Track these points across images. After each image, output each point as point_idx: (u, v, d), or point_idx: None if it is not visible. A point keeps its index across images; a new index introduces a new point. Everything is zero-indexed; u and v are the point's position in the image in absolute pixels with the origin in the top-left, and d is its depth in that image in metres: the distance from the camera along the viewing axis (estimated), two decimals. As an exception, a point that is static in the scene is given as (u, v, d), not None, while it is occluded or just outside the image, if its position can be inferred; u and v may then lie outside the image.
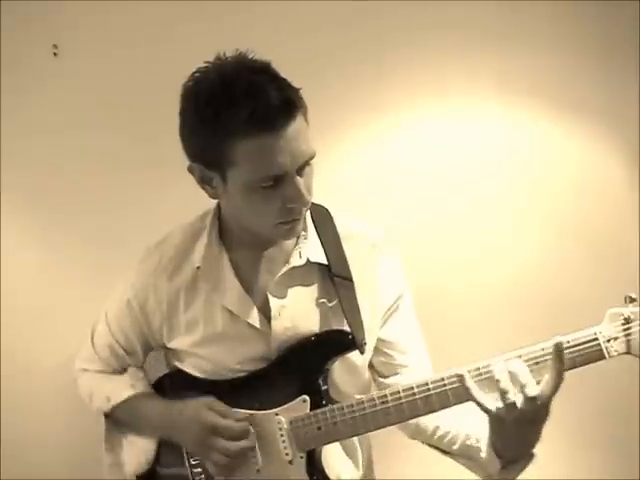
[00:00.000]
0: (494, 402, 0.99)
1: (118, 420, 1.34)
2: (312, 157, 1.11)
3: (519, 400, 0.97)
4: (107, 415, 1.34)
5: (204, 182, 1.14)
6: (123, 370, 1.35)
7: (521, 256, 1.82)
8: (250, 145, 1.05)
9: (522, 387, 0.96)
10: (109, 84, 1.72)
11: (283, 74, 1.09)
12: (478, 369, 1.07)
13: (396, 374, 1.29)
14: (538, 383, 0.98)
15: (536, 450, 1.06)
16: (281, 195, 1.09)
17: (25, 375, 1.72)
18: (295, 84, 1.10)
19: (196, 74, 1.11)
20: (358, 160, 1.80)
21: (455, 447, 1.21)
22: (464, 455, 1.21)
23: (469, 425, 1.16)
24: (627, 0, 1.78)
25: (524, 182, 1.83)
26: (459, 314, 1.78)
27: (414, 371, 1.26)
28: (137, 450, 1.30)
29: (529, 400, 0.96)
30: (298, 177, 1.09)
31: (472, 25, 1.79)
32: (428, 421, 1.21)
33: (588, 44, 1.80)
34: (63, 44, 1.72)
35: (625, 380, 1.68)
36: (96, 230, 1.73)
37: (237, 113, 1.03)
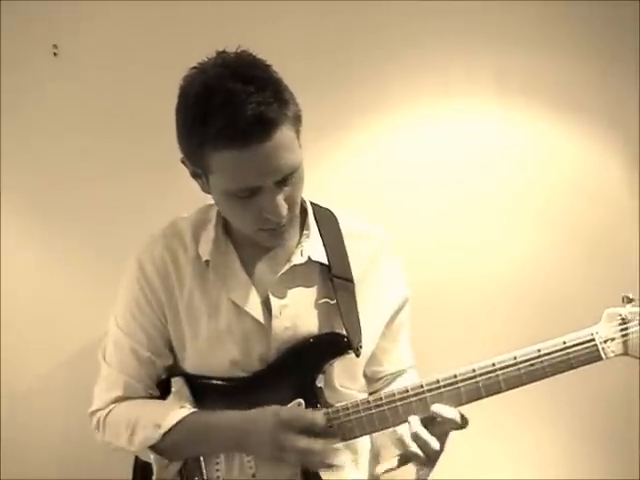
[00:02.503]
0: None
1: (166, 448, 1.19)
2: (295, 170, 1.08)
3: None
4: (151, 447, 1.19)
5: (195, 176, 1.15)
6: (153, 384, 1.26)
7: (520, 256, 1.82)
8: (220, 158, 1.04)
9: (425, 444, 1.06)
10: (109, 84, 1.72)
11: (282, 76, 1.08)
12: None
13: (379, 380, 1.29)
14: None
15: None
16: (257, 205, 1.08)
17: (25, 375, 1.72)
18: (290, 88, 1.07)
19: (192, 70, 1.10)
20: (357, 162, 1.80)
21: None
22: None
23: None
24: (627, 0, 1.78)
25: (523, 182, 1.83)
26: (455, 311, 1.79)
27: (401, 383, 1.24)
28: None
29: (434, 452, 1.07)
30: (278, 189, 1.07)
31: (471, 26, 1.79)
32: None
33: (587, 45, 1.80)
34: (63, 44, 1.71)
35: (625, 380, 1.68)
36: (96, 230, 1.72)
37: (208, 125, 1.02)
